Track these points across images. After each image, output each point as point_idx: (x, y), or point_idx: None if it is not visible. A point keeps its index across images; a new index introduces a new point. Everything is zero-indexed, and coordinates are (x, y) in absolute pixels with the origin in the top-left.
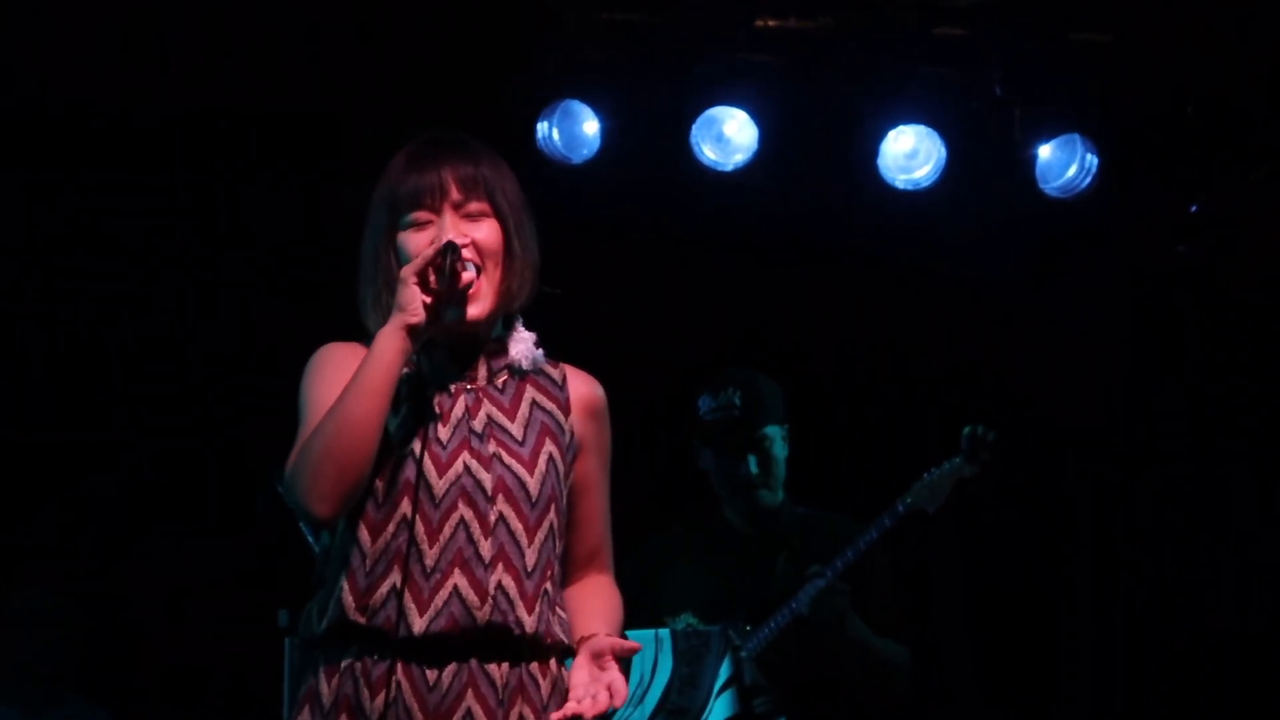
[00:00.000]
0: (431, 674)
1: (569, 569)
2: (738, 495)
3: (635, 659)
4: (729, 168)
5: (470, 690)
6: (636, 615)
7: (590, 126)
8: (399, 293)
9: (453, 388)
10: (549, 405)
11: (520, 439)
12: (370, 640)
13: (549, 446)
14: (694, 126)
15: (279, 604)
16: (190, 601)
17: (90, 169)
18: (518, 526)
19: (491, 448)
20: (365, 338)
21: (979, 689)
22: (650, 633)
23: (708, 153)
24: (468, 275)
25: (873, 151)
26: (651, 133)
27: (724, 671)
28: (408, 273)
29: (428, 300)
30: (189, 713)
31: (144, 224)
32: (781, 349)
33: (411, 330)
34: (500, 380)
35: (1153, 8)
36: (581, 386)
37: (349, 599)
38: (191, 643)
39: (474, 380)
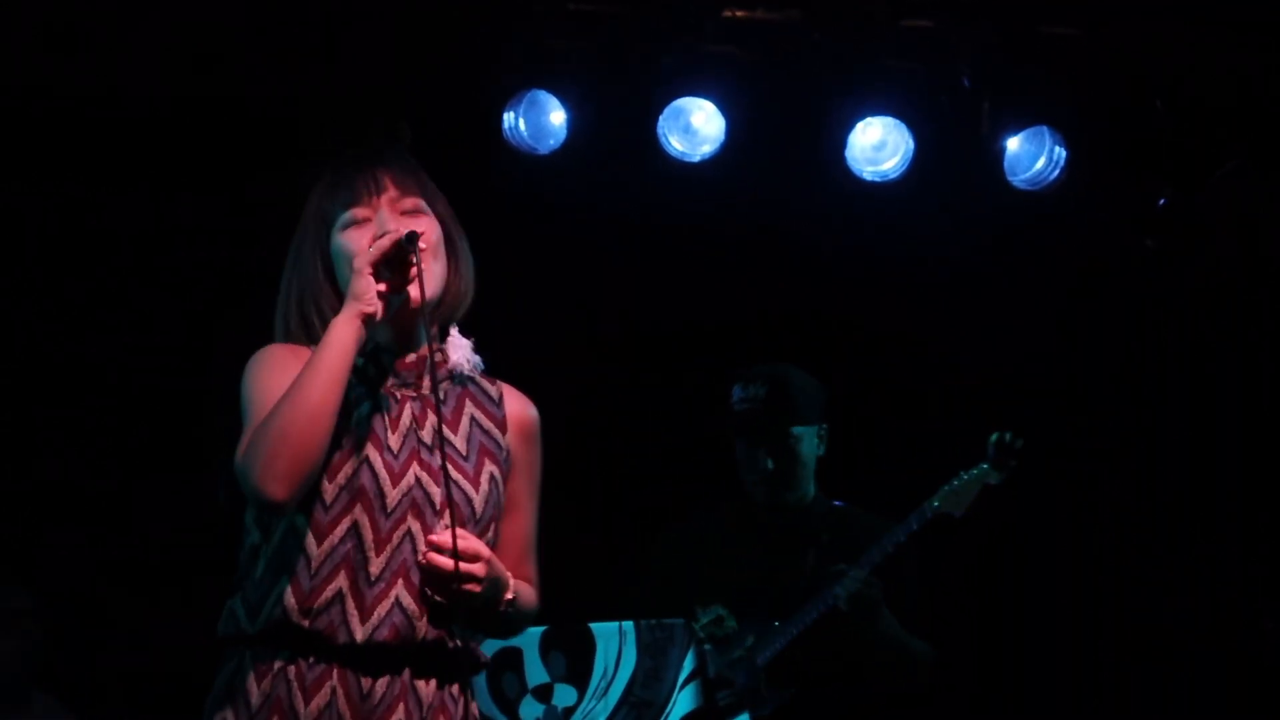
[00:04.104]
0: (366, 682)
1: None
2: (755, 488)
3: (599, 651)
4: (696, 159)
5: (401, 703)
6: (664, 605)
7: (557, 117)
8: (353, 282)
9: (399, 394)
10: (487, 424)
11: (465, 454)
12: (308, 643)
13: (490, 466)
14: (661, 117)
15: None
16: (153, 596)
17: (40, 167)
18: None
19: (439, 461)
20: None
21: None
22: (614, 625)
23: (675, 144)
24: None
25: (841, 143)
26: (618, 123)
27: (688, 664)
28: (362, 263)
29: (382, 289)
30: (153, 708)
31: (94, 224)
32: (747, 340)
33: (366, 320)
34: (442, 390)
35: (1121, 1)
36: (518, 406)
37: (291, 600)
38: (155, 637)
39: (418, 389)
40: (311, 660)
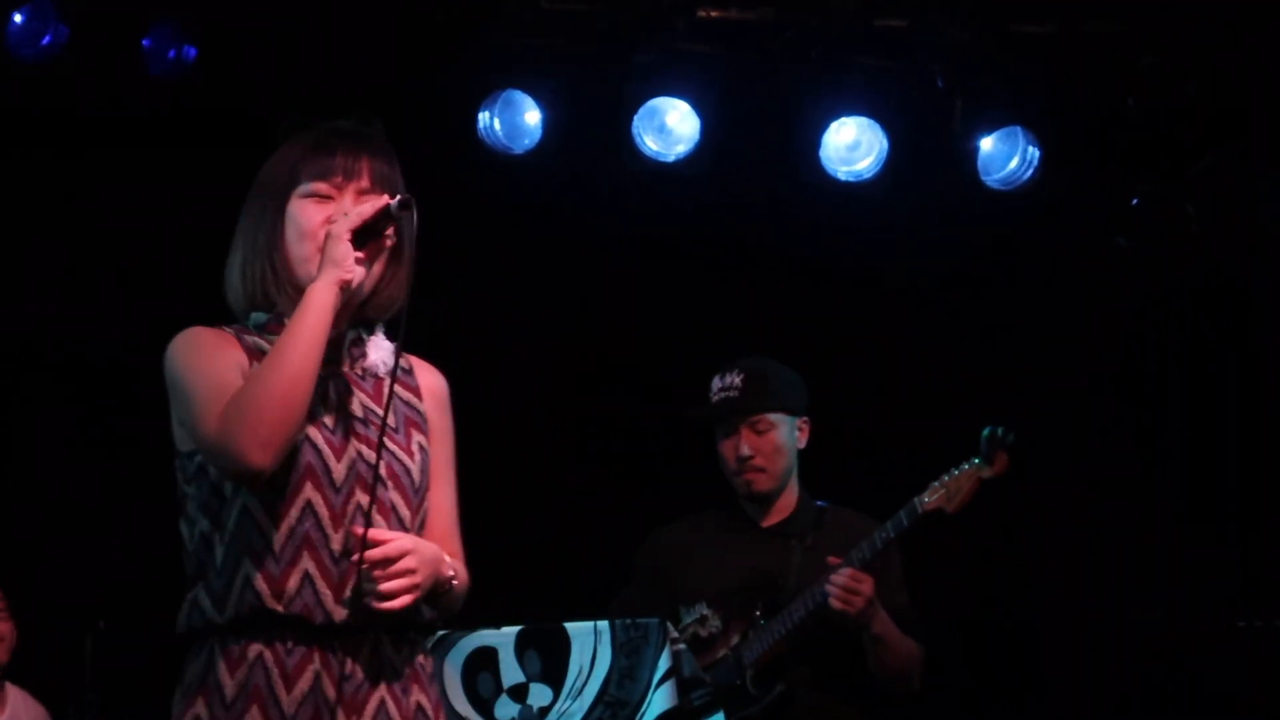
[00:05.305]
0: (347, 664)
1: None
2: (734, 477)
3: (574, 651)
4: (671, 158)
5: (382, 680)
6: (650, 606)
7: (532, 116)
8: (330, 248)
9: (320, 372)
10: (406, 395)
11: (394, 426)
12: (285, 627)
13: (417, 435)
14: (636, 117)
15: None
16: (146, 594)
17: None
18: (405, 514)
19: (374, 434)
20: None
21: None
22: (590, 624)
23: (649, 143)
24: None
25: (815, 143)
26: (593, 123)
27: (663, 664)
28: (342, 229)
29: (360, 257)
30: (150, 707)
31: (64, 220)
32: (721, 338)
33: (344, 286)
34: (359, 369)
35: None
36: (428, 376)
37: (263, 586)
38: (150, 636)
39: (338, 367)
40: (290, 644)
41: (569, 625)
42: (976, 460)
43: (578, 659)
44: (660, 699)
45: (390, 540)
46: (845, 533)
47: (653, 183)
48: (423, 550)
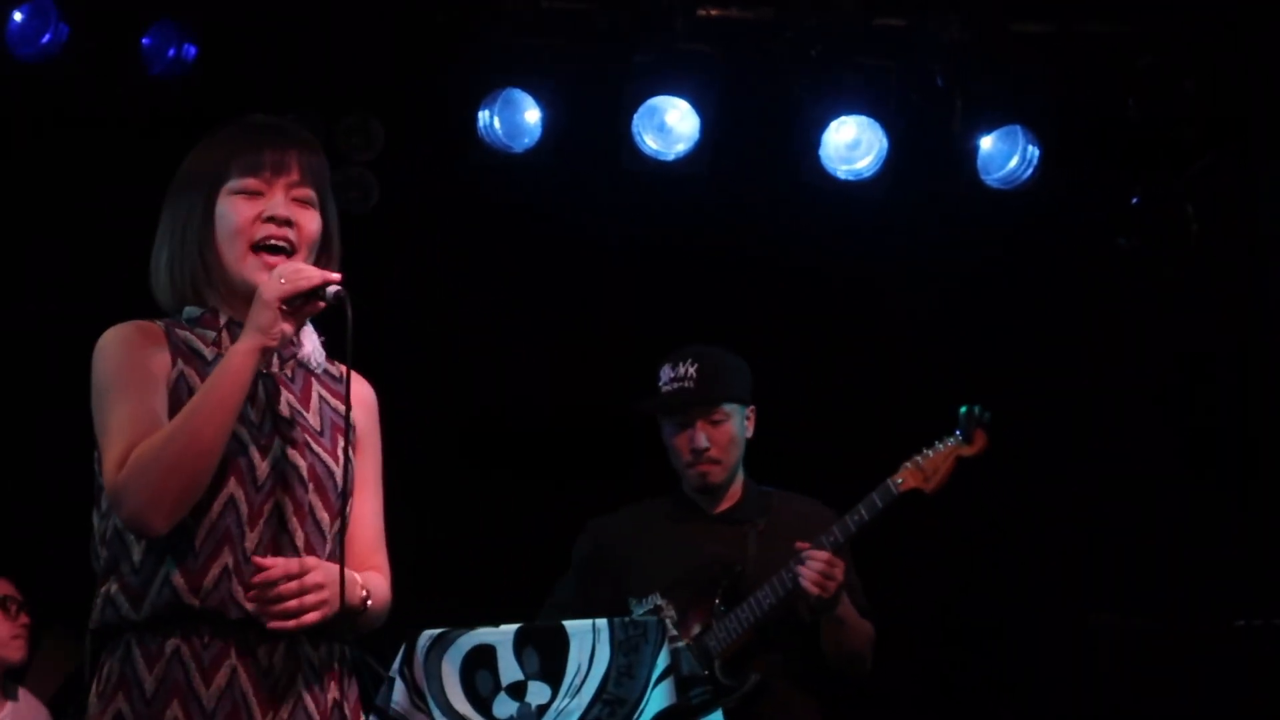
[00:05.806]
0: (264, 657)
1: (349, 566)
2: (689, 469)
3: (572, 649)
4: (670, 157)
5: (299, 675)
6: (596, 597)
7: (531, 115)
8: (259, 313)
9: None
10: (334, 401)
11: (319, 430)
12: (201, 622)
13: (343, 441)
14: (635, 116)
15: None
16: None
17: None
18: (323, 516)
19: (299, 436)
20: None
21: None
22: (588, 623)
23: (649, 142)
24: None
25: (814, 142)
26: (593, 122)
27: (661, 662)
28: (274, 297)
29: (288, 329)
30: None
31: (64, 220)
32: (719, 337)
33: (265, 353)
34: (289, 369)
35: None
36: (358, 385)
37: (180, 581)
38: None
39: (267, 366)
40: (206, 639)
41: (567, 623)
42: (951, 440)
43: (576, 657)
44: (658, 697)
45: (283, 567)
46: (797, 517)
47: (652, 182)
48: (327, 570)
